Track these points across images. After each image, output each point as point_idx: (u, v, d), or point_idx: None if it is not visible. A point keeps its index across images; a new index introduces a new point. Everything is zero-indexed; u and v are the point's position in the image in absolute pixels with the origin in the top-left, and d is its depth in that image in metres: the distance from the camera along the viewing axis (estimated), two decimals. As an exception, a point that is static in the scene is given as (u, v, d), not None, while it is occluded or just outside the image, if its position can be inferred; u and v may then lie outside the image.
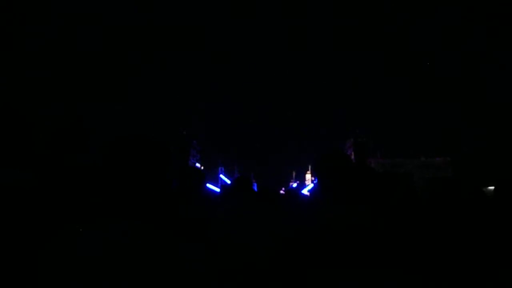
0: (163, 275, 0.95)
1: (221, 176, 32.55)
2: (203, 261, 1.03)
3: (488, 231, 1.85)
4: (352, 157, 28.77)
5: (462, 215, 2.04)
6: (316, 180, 1.59)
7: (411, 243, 1.32)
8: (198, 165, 32.29)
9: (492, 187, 2.57)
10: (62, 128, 1.76)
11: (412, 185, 1.91)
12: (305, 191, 9.07)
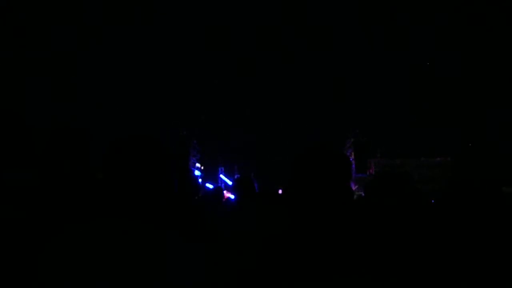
0: (163, 275, 0.94)
1: (221, 176, 32.53)
2: (203, 261, 1.03)
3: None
4: (352, 157, 28.77)
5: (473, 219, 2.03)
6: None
7: (412, 247, 1.32)
8: (198, 165, 32.27)
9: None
10: (62, 129, 1.76)
11: (413, 185, 1.91)
12: None
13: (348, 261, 1.09)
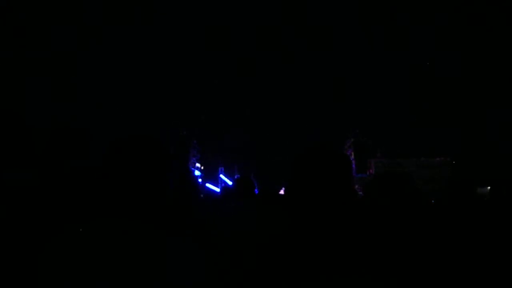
0: (163, 275, 0.94)
1: (221, 176, 32.52)
2: (203, 261, 1.03)
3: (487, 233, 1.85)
4: (352, 157, 28.78)
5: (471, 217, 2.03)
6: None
7: (412, 247, 1.31)
8: (198, 165, 32.29)
9: (488, 187, 2.57)
10: (62, 129, 1.76)
11: (413, 185, 1.91)
12: None
13: (348, 261, 1.09)
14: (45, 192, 1.47)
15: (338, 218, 1.19)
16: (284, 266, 1.11)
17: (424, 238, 1.55)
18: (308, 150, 1.27)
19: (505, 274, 1.61)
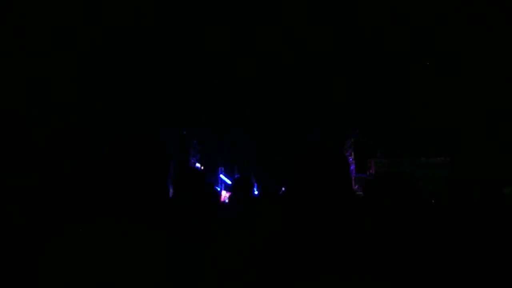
0: (163, 275, 0.94)
1: (221, 176, 32.52)
2: (203, 261, 1.03)
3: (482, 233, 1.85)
4: (352, 157, 28.79)
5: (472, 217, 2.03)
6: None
7: (412, 247, 1.31)
8: (198, 165, 32.27)
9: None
10: (62, 129, 1.76)
11: (414, 185, 1.91)
12: None
13: (348, 261, 1.09)
14: (45, 192, 1.47)
15: (337, 218, 1.19)
16: (284, 266, 1.11)
17: (424, 238, 1.55)
18: (308, 150, 1.27)
19: (504, 273, 1.61)
